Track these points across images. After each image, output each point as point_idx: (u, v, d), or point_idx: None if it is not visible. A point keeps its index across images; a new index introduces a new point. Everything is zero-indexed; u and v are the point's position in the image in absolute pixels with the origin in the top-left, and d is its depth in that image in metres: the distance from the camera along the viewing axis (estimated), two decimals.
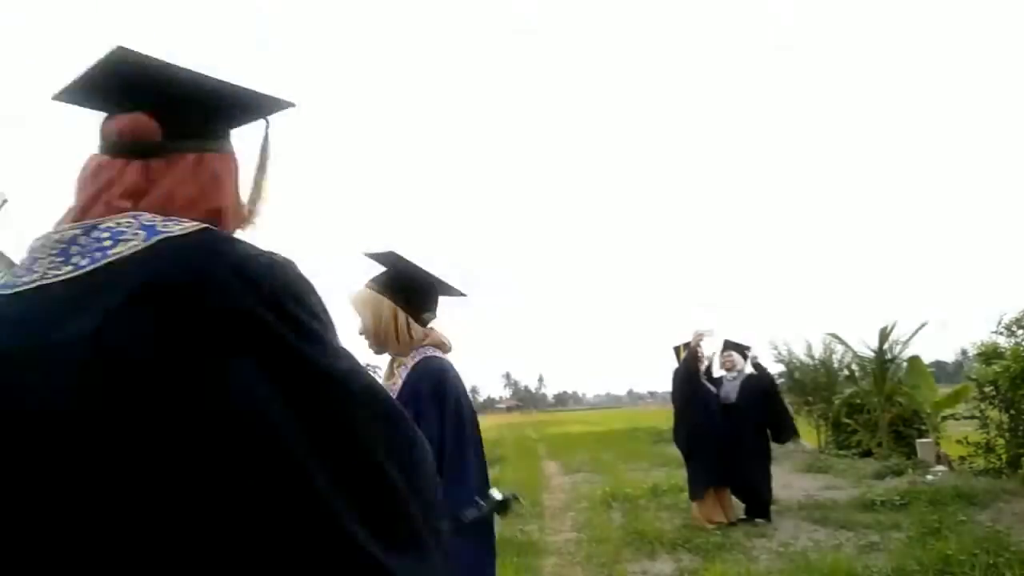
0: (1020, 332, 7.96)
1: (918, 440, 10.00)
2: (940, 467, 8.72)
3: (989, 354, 8.71)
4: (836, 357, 13.70)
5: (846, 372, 12.41)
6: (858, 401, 11.90)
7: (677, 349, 6.68)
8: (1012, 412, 8.11)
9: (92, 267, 0.63)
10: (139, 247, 0.63)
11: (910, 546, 4.85)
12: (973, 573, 4.08)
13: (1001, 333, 8.47)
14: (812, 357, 14.32)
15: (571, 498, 8.45)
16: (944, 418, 10.33)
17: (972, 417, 9.18)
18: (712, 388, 6.58)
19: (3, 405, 0.57)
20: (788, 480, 8.44)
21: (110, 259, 0.63)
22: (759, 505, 6.36)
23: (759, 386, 6.59)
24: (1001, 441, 8.31)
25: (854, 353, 12.30)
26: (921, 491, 6.75)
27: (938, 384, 10.87)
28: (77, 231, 0.67)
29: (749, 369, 6.72)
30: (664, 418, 13.70)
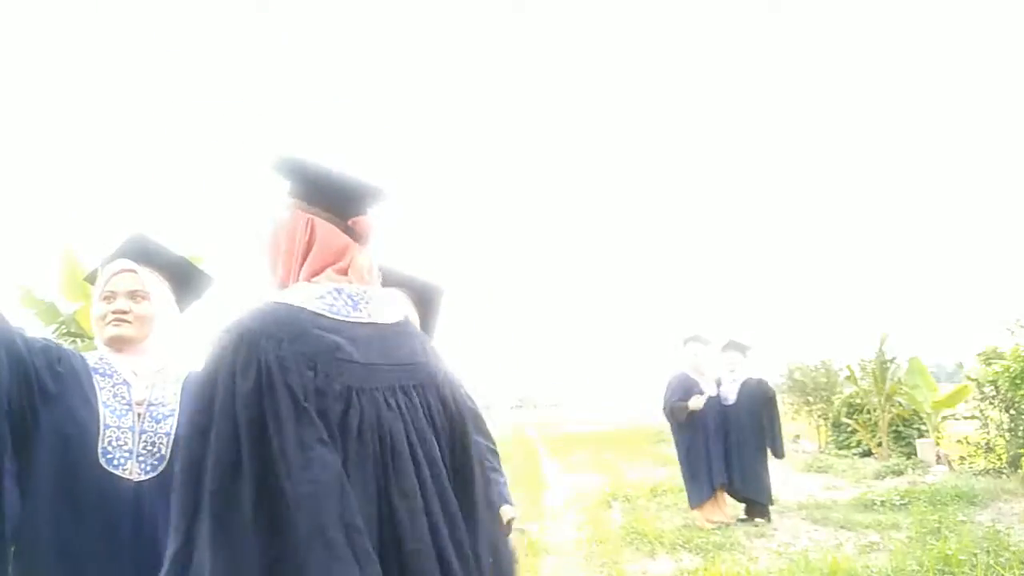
0: (1020, 332, 7.95)
1: (918, 440, 9.99)
2: (940, 467, 8.73)
3: (989, 354, 8.71)
4: (836, 357, 13.68)
5: (846, 372, 12.37)
6: (858, 401, 11.88)
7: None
8: (1012, 412, 8.10)
9: (397, 320, 1.15)
10: (402, 314, 1.18)
11: (910, 546, 4.84)
12: (973, 573, 4.07)
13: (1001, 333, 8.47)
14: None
15: (571, 498, 8.44)
16: (944, 418, 10.33)
17: (972, 417, 9.18)
18: (712, 388, 6.58)
19: (393, 396, 1.05)
20: (788, 480, 8.43)
21: (397, 319, 1.16)
22: (759, 505, 6.35)
23: (758, 389, 6.57)
24: (1001, 441, 8.30)
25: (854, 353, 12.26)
26: (921, 491, 6.74)
27: (938, 384, 10.84)
28: (375, 292, 1.15)
29: (749, 372, 6.70)
30: (664, 418, 13.62)
